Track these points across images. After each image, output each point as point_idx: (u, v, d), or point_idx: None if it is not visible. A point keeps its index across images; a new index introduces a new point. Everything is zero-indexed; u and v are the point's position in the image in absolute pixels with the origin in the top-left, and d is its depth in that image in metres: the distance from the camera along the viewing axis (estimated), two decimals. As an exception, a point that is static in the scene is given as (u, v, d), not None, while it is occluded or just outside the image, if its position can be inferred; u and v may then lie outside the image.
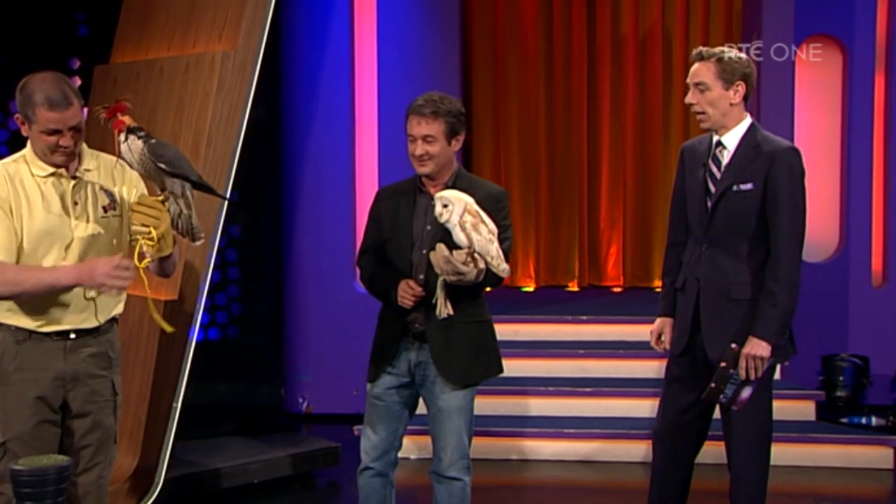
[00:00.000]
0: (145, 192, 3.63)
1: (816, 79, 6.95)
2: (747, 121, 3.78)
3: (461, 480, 3.89)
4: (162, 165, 3.35)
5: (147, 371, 4.94)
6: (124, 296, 3.67)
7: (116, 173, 3.61)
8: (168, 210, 3.40)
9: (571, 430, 6.05)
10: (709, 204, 3.75)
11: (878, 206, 6.96)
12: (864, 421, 6.38)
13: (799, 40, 6.67)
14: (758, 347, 3.64)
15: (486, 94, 8.27)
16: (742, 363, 3.65)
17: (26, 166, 3.49)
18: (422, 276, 3.76)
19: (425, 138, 3.76)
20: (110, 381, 3.63)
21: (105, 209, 3.56)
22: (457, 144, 3.82)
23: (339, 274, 6.89)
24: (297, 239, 6.91)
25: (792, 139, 6.66)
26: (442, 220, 3.58)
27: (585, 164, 8.33)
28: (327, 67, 6.76)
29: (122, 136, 3.36)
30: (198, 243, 3.50)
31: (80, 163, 3.54)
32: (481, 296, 3.86)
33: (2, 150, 6.94)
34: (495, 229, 3.64)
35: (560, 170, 8.34)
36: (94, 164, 3.58)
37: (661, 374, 6.27)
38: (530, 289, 8.20)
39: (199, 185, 3.48)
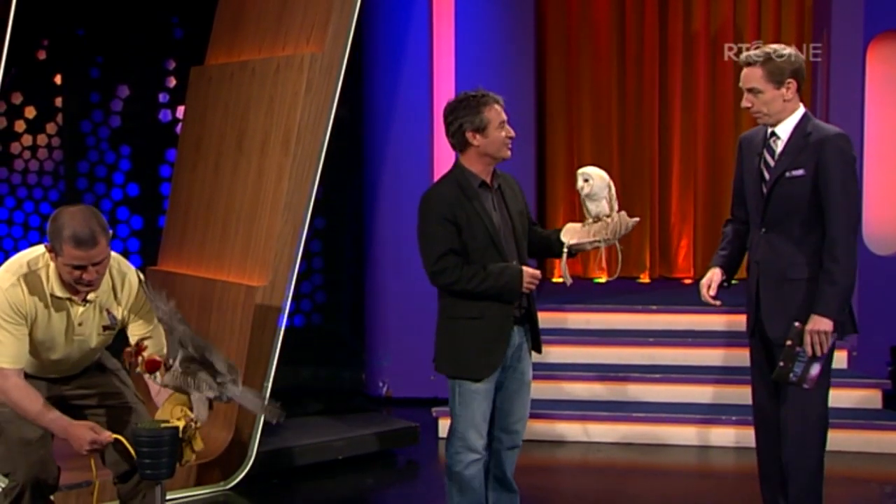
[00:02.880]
0: (139, 293, 3.66)
1: (888, 74, 6.96)
2: (800, 110, 3.87)
3: (520, 445, 4.14)
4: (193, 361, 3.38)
5: (241, 355, 5.18)
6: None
7: (117, 283, 3.64)
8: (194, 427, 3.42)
9: (640, 415, 6.22)
10: (764, 191, 3.87)
11: (947, 199, 6.96)
12: (931, 411, 6.44)
13: (869, 37, 6.72)
14: (820, 323, 3.74)
15: (559, 91, 8.41)
16: (807, 339, 3.74)
17: (46, 282, 3.50)
18: (515, 262, 3.94)
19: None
20: (96, 363, 3.78)
21: (104, 328, 3.64)
22: None
23: (417, 264, 6.95)
24: (378, 230, 7.08)
25: (862, 135, 6.72)
26: (584, 192, 3.89)
27: (657, 159, 8.44)
28: (407, 67, 6.91)
29: (158, 376, 3.41)
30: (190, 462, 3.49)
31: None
32: None
33: (103, 134, 7.31)
34: None
35: (632, 165, 8.47)
36: (103, 284, 3.58)
37: (728, 362, 6.49)
38: (602, 280, 8.36)
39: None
